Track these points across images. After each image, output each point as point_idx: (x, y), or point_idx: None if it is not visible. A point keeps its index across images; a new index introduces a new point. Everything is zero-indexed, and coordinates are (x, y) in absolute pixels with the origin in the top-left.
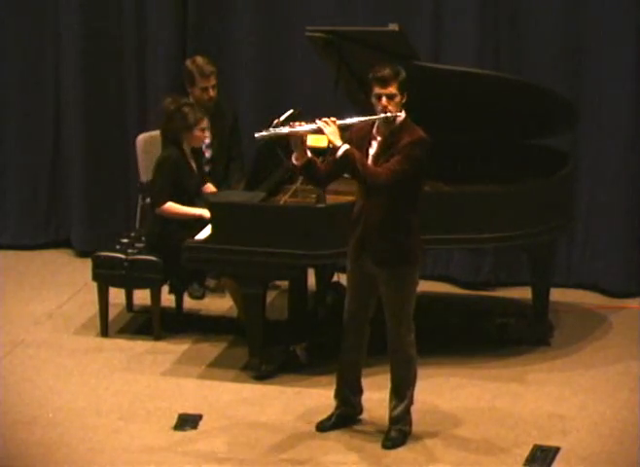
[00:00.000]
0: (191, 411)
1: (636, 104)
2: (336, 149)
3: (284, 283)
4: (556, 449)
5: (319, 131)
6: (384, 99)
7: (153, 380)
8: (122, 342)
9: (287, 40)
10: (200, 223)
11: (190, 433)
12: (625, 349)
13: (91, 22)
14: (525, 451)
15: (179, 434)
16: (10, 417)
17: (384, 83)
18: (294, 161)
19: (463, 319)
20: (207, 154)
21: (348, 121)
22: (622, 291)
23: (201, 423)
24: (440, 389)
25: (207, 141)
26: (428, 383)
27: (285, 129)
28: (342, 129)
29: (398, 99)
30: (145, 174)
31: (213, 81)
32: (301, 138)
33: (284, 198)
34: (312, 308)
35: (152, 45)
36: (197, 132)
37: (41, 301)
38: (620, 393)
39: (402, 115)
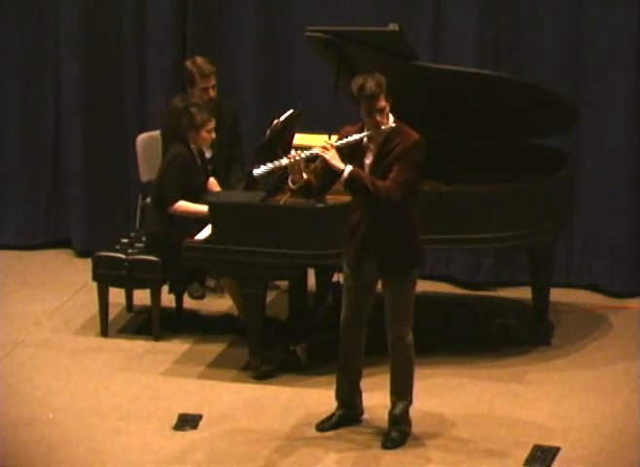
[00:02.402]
0: (191, 411)
1: (636, 104)
2: (339, 172)
3: (284, 283)
4: (556, 449)
5: (317, 158)
6: (377, 116)
7: (153, 380)
8: (122, 342)
9: (287, 40)
10: (200, 223)
11: (190, 433)
12: (625, 349)
13: (92, 22)
14: (525, 451)
15: (179, 434)
16: (10, 417)
17: (373, 98)
18: (290, 184)
19: (463, 319)
20: (207, 154)
21: (345, 140)
22: (622, 291)
23: (201, 423)
24: (440, 389)
25: None
26: (428, 383)
27: (284, 161)
28: (340, 150)
29: (388, 109)
30: (145, 174)
31: (213, 81)
32: (298, 165)
33: (284, 198)
34: (312, 308)
35: (152, 45)
36: (204, 133)
37: (41, 301)
38: (620, 393)
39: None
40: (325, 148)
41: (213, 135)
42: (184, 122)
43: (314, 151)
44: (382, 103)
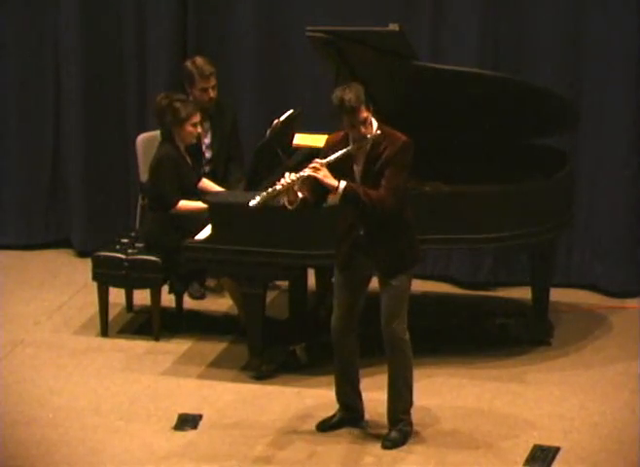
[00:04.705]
0: (191, 411)
1: (636, 105)
2: (334, 190)
3: (284, 283)
4: (556, 449)
5: (310, 178)
6: (360, 128)
7: (153, 380)
8: (122, 342)
9: (287, 40)
10: (199, 224)
11: (190, 433)
12: (625, 349)
13: (92, 22)
14: (525, 451)
15: (179, 434)
16: (10, 417)
17: (354, 112)
18: (287, 205)
19: (463, 319)
20: (207, 154)
21: (334, 156)
22: (622, 291)
23: (201, 423)
24: (440, 389)
25: (207, 141)
26: (428, 383)
27: (278, 187)
28: (330, 165)
29: (370, 118)
30: (145, 174)
31: (213, 81)
32: (292, 188)
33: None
34: (312, 308)
35: (152, 45)
36: (189, 127)
37: (41, 301)
38: (620, 393)
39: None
40: (316, 168)
41: (198, 129)
42: (168, 118)
43: (306, 172)
44: (364, 114)
